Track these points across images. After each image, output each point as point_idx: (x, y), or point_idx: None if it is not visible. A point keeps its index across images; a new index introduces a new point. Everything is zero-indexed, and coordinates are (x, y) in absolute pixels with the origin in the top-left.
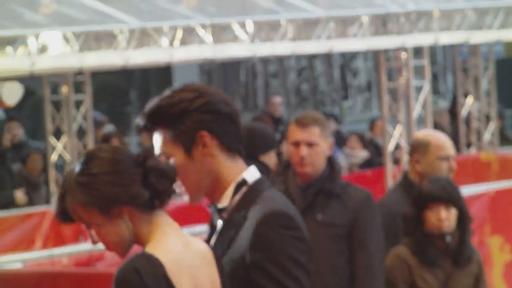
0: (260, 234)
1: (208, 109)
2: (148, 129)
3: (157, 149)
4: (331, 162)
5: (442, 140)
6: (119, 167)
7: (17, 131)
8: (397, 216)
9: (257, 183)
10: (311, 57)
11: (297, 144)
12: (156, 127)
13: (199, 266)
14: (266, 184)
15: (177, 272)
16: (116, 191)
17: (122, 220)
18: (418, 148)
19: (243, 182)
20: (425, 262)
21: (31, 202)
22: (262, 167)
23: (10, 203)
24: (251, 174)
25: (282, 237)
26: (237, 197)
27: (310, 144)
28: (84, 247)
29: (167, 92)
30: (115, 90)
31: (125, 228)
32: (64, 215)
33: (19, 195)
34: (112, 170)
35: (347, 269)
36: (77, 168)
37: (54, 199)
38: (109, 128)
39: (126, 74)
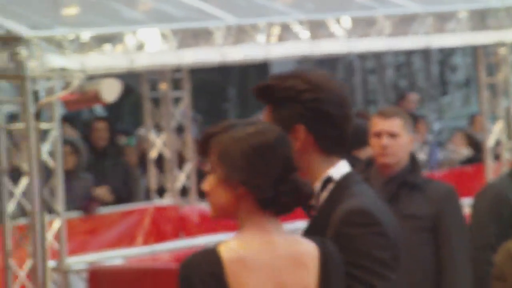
0: (340, 233)
1: (313, 105)
2: (257, 99)
3: (260, 117)
4: (412, 157)
5: None
6: (268, 156)
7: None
8: (503, 196)
9: (345, 178)
10: (409, 53)
11: (379, 134)
12: (263, 100)
13: (282, 266)
14: (355, 178)
15: (241, 271)
16: (247, 172)
17: (232, 195)
18: None
19: (329, 179)
20: None
21: (129, 198)
22: (355, 162)
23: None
24: (339, 170)
25: (361, 235)
26: (325, 194)
27: (392, 135)
28: (185, 243)
29: (284, 73)
30: (214, 88)
31: (231, 204)
32: (202, 148)
33: (103, 192)
34: (260, 154)
35: (433, 261)
36: (245, 128)
37: (154, 196)
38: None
39: (224, 72)
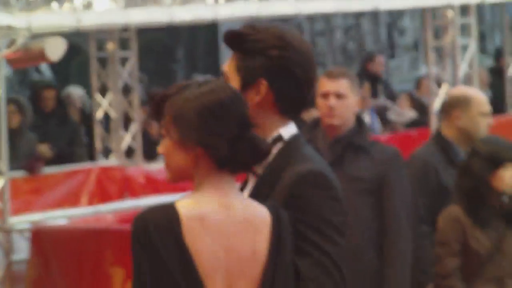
0: (295, 194)
1: (280, 63)
2: (226, 44)
3: (224, 65)
4: (358, 119)
5: (482, 96)
6: (223, 115)
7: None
8: (430, 167)
9: (293, 139)
10: (358, 16)
11: (326, 95)
12: (232, 47)
13: (236, 230)
14: (302, 141)
15: (197, 229)
16: (202, 132)
17: (189, 156)
18: (458, 104)
19: (279, 138)
20: (478, 222)
21: (73, 158)
22: (300, 123)
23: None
24: (288, 130)
25: (317, 198)
26: (273, 152)
27: (339, 96)
28: (129, 203)
29: (259, 23)
30: (162, 48)
31: (187, 165)
32: (155, 111)
33: (43, 149)
34: (214, 113)
35: (376, 223)
36: (198, 88)
37: (99, 156)
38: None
39: (172, 32)
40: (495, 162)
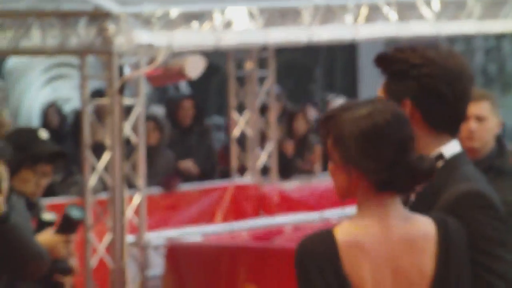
0: (455, 215)
1: (424, 82)
2: (378, 67)
3: (378, 91)
4: (499, 141)
5: None
6: (378, 139)
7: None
8: None
9: (455, 158)
10: (499, 37)
11: (466, 118)
12: (381, 69)
13: (399, 253)
14: (464, 159)
15: (357, 256)
16: (359, 156)
17: (350, 178)
18: None
19: (440, 156)
20: None
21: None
22: None
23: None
24: (450, 148)
25: (479, 217)
26: None
27: (479, 118)
28: (264, 221)
29: (406, 46)
30: (300, 68)
31: (349, 186)
32: (322, 130)
33: (187, 165)
34: (370, 138)
35: None
36: (358, 110)
37: (235, 174)
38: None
39: (311, 52)
40: None
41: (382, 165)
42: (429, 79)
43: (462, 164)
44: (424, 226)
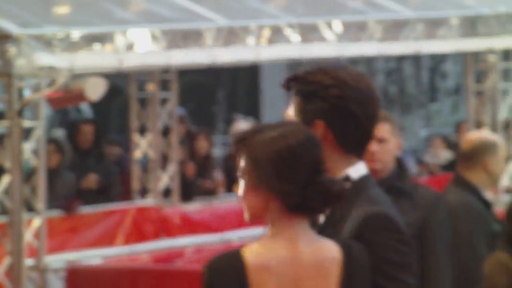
0: (360, 237)
1: (335, 102)
2: (286, 88)
3: (289, 111)
4: (399, 162)
5: (500, 139)
6: (293, 161)
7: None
8: (480, 213)
9: (362, 180)
10: (400, 59)
11: None
12: (292, 91)
13: (305, 276)
14: (371, 182)
15: (264, 277)
16: (274, 178)
17: (262, 200)
18: (487, 149)
19: (347, 178)
20: None
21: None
22: None
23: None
24: (357, 170)
25: (383, 240)
26: None
27: (380, 140)
28: (164, 243)
29: (314, 66)
30: (203, 90)
31: (261, 208)
32: (233, 154)
33: (91, 178)
34: (285, 160)
35: (417, 268)
36: (271, 132)
37: (136, 196)
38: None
39: (214, 74)
40: None
41: (295, 187)
42: (341, 100)
43: (369, 187)
44: (331, 250)
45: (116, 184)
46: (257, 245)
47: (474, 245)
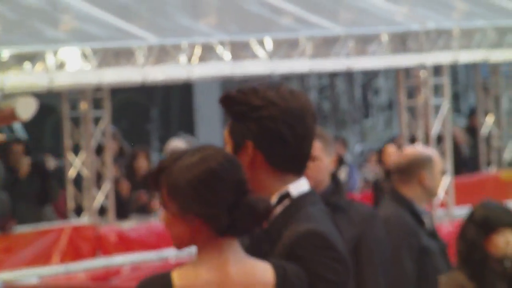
0: (293, 254)
1: (264, 124)
2: (223, 107)
3: (225, 132)
4: (335, 178)
5: (436, 154)
6: (215, 184)
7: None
8: (411, 228)
9: (302, 197)
10: (332, 76)
11: (313, 159)
12: (225, 111)
13: None
14: (312, 199)
15: None
16: (198, 203)
17: (188, 227)
18: (423, 164)
19: (287, 195)
20: (482, 287)
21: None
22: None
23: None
24: (298, 188)
25: (316, 258)
26: (278, 209)
27: (312, 158)
28: (101, 262)
29: (247, 85)
30: (136, 108)
31: (187, 235)
32: (153, 183)
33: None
34: (207, 183)
35: (353, 283)
36: (190, 157)
37: (72, 215)
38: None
39: (147, 92)
40: (489, 227)
41: (222, 209)
42: (269, 121)
43: (308, 204)
44: (263, 272)
45: (54, 188)
46: (186, 268)
47: (401, 260)
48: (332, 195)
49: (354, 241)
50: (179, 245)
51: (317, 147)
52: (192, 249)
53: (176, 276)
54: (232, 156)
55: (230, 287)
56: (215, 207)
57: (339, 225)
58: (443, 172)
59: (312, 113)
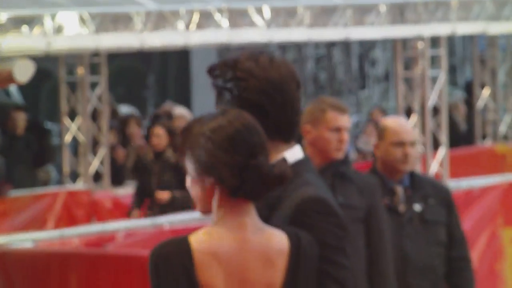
0: (297, 221)
1: (240, 94)
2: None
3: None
4: None
5: (397, 125)
6: (228, 145)
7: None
8: None
9: (298, 164)
10: (330, 46)
11: (339, 130)
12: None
13: (250, 264)
14: (308, 166)
15: (210, 264)
16: (211, 164)
17: (206, 188)
18: (378, 134)
19: (284, 161)
20: None
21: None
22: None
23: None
24: (293, 154)
25: (321, 224)
26: None
27: (346, 130)
28: (95, 228)
29: (231, 57)
30: (133, 74)
31: (206, 197)
32: (180, 149)
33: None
34: (222, 146)
35: (366, 252)
36: (209, 122)
37: (67, 180)
38: (126, 109)
39: (144, 59)
40: None
41: (232, 171)
42: (247, 93)
43: (305, 171)
44: (278, 240)
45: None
46: (204, 232)
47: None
48: (341, 164)
49: (365, 210)
50: (201, 209)
51: (347, 120)
52: (187, 217)
53: (194, 240)
54: (252, 121)
55: (248, 252)
56: (225, 167)
57: (349, 194)
58: (399, 144)
59: (295, 80)
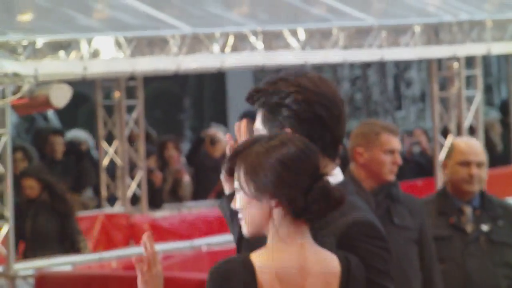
0: (345, 245)
1: (299, 108)
2: (251, 102)
3: (257, 124)
4: None
5: (465, 145)
6: (296, 166)
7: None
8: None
9: (341, 186)
10: (365, 67)
11: (393, 152)
12: (254, 104)
13: (309, 284)
14: (350, 188)
15: (271, 283)
16: (277, 185)
17: (264, 209)
18: (446, 153)
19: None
20: None
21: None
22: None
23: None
24: (335, 177)
25: (369, 248)
26: None
27: (396, 152)
28: (134, 250)
29: (274, 76)
30: (169, 97)
31: (264, 218)
32: (230, 168)
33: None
34: (288, 166)
35: (420, 274)
36: (268, 142)
37: (105, 203)
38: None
39: (180, 82)
40: None
41: (299, 192)
42: (305, 106)
43: (348, 193)
44: (331, 262)
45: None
46: (265, 252)
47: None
48: (392, 187)
49: (418, 231)
50: (252, 229)
51: (399, 142)
52: (224, 239)
53: (257, 259)
54: (309, 142)
55: (308, 273)
56: (293, 189)
57: (403, 216)
58: (467, 164)
59: (340, 98)
